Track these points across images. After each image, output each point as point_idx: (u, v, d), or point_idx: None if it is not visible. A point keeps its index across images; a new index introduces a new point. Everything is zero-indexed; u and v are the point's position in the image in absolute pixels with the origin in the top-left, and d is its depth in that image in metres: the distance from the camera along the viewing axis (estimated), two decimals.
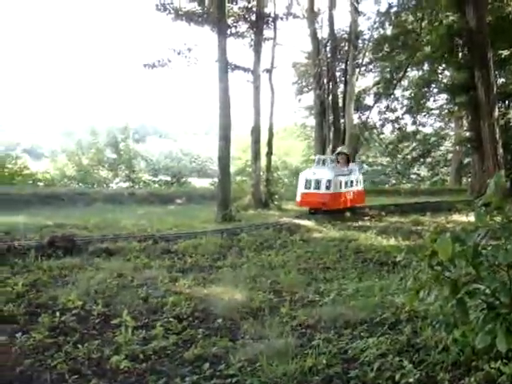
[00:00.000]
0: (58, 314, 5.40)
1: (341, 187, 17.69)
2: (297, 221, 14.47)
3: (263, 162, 23.40)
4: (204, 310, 5.93)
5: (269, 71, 23.66)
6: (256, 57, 22.80)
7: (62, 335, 4.96)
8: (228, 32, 20.50)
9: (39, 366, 4.33)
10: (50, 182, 30.84)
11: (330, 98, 33.46)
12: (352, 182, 18.55)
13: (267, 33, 24.00)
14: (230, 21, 21.77)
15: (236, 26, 23.14)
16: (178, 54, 22.46)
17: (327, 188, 17.20)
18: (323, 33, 34.16)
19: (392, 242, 11.45)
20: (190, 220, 15.42)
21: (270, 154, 23.62)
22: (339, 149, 21.94)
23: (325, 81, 33.09)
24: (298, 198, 18.02)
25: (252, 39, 23.46)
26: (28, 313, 5.63)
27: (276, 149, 30.62)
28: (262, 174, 22.94)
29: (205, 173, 44.77)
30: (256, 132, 22.36)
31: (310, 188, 17.51)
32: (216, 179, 29.24)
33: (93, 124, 41.22)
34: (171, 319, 5.45)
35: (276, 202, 21.81)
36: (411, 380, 4.05)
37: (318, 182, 17.43)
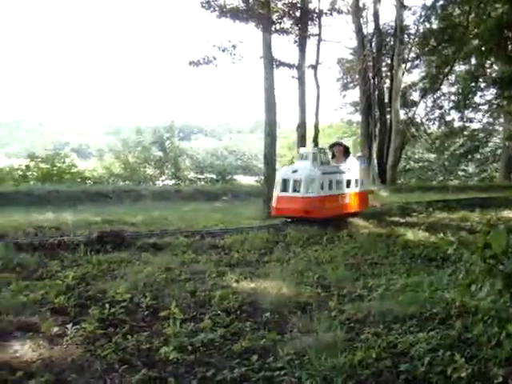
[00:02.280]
0: (107, 306, 5.46)
1: (331, 188, 13.25)
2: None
3: None
4: (252, 304, 5.93)
5: (314, 67, 23.55)
6: (301, 53, 22.70)
7: (111, 327, 5.01)
8: (272, 28, 20.47)
9: (90, 356, 4.38)
10: (98, 179, 31.34)
11: (376, 93, 33.19)
12: (350, 181, 14.09)
13: (312, 29, 23.92)
14: (274, 17, 21.72)
15: (280, 22, 23.05)
16: (223, 51, 22.43)
17: (309, 190, 12.68)
18: (368, 28, 33.94)
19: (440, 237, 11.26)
20: (235, 216, 15.48)
21: None
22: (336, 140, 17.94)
23: (370, 76, 32.83)
24: (273, 204, 13.44)
25: (297, 35, 23.37)
26: (78, 305, 5.71)
27: (322, 146, 30.61)
28: None
29: (250, 170, 44.77)
30: (302, 128, 22.25)
31: (287, 190, 12.90)
32: (261, 176, 29.27)
33: (138, 123, 41.76)
34: (219, 312, 5.46)
35: None
36: (463, 375, 3.97)
37: (297, 183, 12.79)
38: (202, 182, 32.53)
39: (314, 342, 4.60)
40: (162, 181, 33.37)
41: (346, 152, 15.15)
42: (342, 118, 50.25)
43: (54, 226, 11.44)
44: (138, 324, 5.18)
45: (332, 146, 15.54)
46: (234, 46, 22.25)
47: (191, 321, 5.21)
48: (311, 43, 23.95)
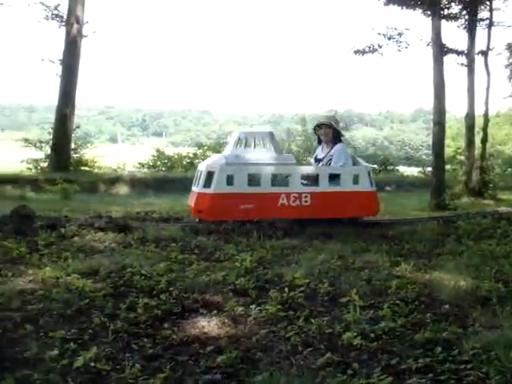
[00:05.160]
0: (286, 290, 5.58)
1: (257, 184, 10.04)
2: None
3: (476, 149, 22.48)
4: (429, 295, 5.81)
5: (484, 54, 22.58)
6: (470, 39, 21.97)
7: (291, 310, 5.13)
8: (441, 14, 19.90)
9: (273, 337, 4.51)
10: None
11: None
12: (318, 176, 10.34)
13: (481, 13, 23.01)
14: (443, 2, 21.15)
15: (449, 8, 22.41)
16: (389, 38, 22.24)
17: (206, 185, 9.94)
18: None
19: None
20: (401, 207, 15.25)
21: (484, 141, 22.52)
22: (322, 118, 11.80)
23: None
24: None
25: (466, 20, 22.59)
26: (257, 287, 5.88)
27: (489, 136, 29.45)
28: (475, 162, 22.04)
29: (413, 161, 43.79)
30: (470, 118, 21.54)
31: (195, 184, 10.35)
32: (426, 167, 28.49)
33: (300, 112, 42.27)
34: (397, 302, 5.40)
35: (490, 191, 20.80)
36: None
37: (199, 176, 10.25)
38: None
39: (500, 337, 4.41)
40: None
41: (335, 136, 10.98)
42: (510, 107, 47.82)
43: None
44: (316, 309, 5.25)
45: (317, 128, 11.15)
46: (399, 34, 21.98)
47: (370, 308, 5.20)
48: (480, 28, 23.09)
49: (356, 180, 10.47)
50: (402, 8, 20.61)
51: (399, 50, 22.48)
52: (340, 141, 10.98)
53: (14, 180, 21.25)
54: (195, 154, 31.35)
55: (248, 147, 10.24)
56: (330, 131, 10.86)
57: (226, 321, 4.86)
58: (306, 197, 10.11)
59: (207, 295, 5.56)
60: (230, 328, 4.70)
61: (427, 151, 54.65)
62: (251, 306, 5.13)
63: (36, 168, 27.33)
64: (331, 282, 6.04)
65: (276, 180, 10.29)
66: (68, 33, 25.59)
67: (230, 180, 9.81)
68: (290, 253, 7.74)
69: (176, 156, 31.99)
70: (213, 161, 10.38)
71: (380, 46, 22.28)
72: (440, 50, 16.82)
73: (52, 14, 27.21)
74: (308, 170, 10.86)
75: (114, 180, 24.03)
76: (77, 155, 28.28)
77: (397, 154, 56.25)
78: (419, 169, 34.57)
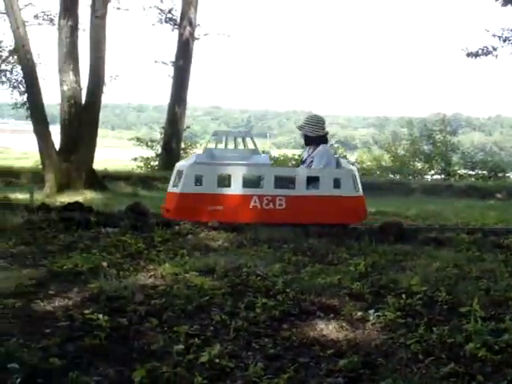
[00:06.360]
0: (403, 296, 5.53)
1: (227, 185, 9.56)
2: None
3: None
4: None
5: None
6: None
7: (409, 317, 5.08)
8: None
9: (393, 344, 4.49)
10: (367, 172, 31.86)
11: None
12: (294, 179, 9.61)
13: None
14: None
15: None
16: (504, 41, 21.57)
17: (175, 184, 9.76)
18: None
19: None
20: None
21: None
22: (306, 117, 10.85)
23: None
24: None
25: None
26: (373, 292, 5.86)
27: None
28: None
29: None
30: None
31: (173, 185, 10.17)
32: None
33: (407, 115, 41.66)
34: None
35: None
36: None
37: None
38: (472, 178, 31.53)
39: None
40: (431, 175, 33.05)
41: (312, 138, 10.28)
42: None
43: None
44: (435, 317, 5.17)
45: (300, 128, 10.57)
46: None
47: (490, 320, 5.06)
48: None
49: (337, 184, 9.71)
50: None
51: None
52: (324, 142, 10.33)
53: (127, 177, 22.11)
54: (300, 156, 31.54)
55: (224, 147, 10.08)
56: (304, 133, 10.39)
57: (343, 324, 4.88)
58: (280, 200, 9.43)
59: (323, 298, 5.60)
60: (348, 332, 4.72)
61: None
62: (369, 311, 5.10)
63: (146, 166, 28.28)
64: (448, 291, 5.91)
65: (248, 181, 9.73)
66: (181, 35, 26.39)
67: (198, 180, 9.49)
68: (403, 259, 7.64)
69: (282, 157, 32.26)
70: (184, 160, 9.99)
71: (495, 49, 21.66)
72: None
73: (166, 18, 28.20)
74: (283, 171, 10.76)
75: None
76: (186, 155, 29.08)
77: (508, 160, 53.97)
78: None
